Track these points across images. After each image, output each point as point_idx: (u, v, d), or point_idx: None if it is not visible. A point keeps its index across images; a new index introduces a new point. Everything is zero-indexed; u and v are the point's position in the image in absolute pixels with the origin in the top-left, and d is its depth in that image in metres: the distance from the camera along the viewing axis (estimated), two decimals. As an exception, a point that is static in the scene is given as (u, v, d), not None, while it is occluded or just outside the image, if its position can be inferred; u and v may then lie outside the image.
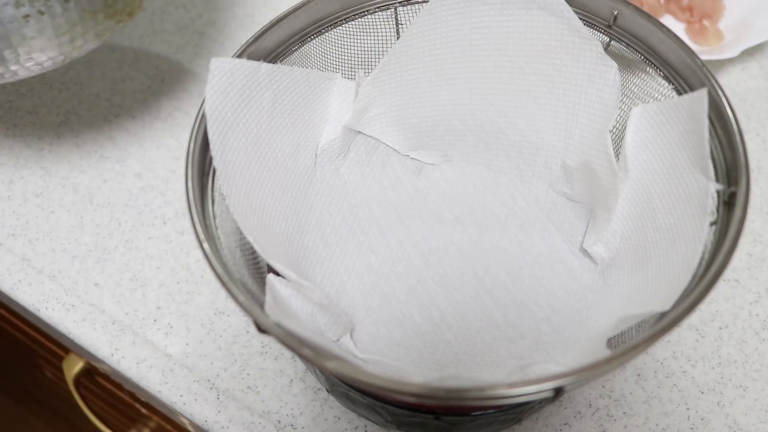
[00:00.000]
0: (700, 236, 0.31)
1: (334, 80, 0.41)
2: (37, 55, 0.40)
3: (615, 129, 0.39)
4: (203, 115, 0.33)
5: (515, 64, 0.39)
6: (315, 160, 0.41)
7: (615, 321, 0.33)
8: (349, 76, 0.42)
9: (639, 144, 0.36)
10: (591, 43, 0.37)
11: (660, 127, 0.35)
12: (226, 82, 0.34)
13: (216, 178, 0.34)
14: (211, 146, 0.33)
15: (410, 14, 0.41)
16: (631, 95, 0.39)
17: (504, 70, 0.40)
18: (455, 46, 0.39)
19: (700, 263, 0.31)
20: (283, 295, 0.34)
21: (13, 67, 0.40)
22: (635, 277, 0.35)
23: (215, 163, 0.33)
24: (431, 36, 0.39)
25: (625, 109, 0.39)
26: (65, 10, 0.38)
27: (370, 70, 0.42)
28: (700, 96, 0.33)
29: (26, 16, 0.37)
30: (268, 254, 0.33)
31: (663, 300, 0.31)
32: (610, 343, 0.34)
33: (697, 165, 0.33)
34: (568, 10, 0.36)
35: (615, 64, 0.37)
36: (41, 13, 0.37)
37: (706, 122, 0.32)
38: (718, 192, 0.32)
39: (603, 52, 0.37)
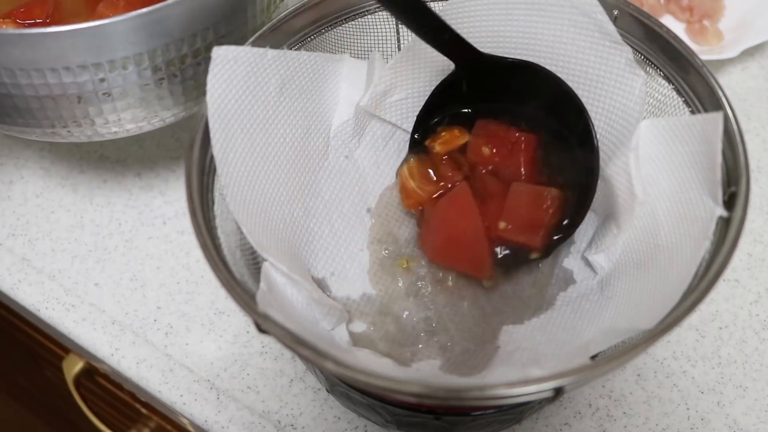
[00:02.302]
0: (695, 259, 0.31)
1: (343, 61, 0.40)
2: (163, 114, 0.41)
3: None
4: (204, 115, 0.33)
5: (542, 61, 0.38)
6: (327, 144, 0.41)
7: (602, 334, 0.33)
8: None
9: (645, 158, 0.35)
10: (622, 48, 0.36)
11: (669, 144, 0.34)
12: (229, 70, 0.34)
13: (216, 177, 0.34)
14: (212, 135, 0.33)
15: (410, 14, 0.41)
16: (644, 76, 0.38)
17: None
18: (482, 36, 0.39)
19: (690, 284, 0.31)
20: (279, 283, 0.34)
21: (140, 124, 0.42)
22: (631, 292, 0.35)
23: (214, 151, 0.33)
24: (457, 25, 0.39)
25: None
26: (196, 73, 0.40)
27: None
28: (715, 119, 0.32)
29: (161, 79, 0.39)
30: (262, 247, 0.33)
31: (649, 318, 0.30)
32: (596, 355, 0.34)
33: (706, 188, 0.32)
34: (601, 12, 0.35)
35: (643, 74, 0.36)
36: (175, 76, 0.39)
37: (719, 146, 0.31)
38: None
39: (632, 59, 0.36)
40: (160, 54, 0.37)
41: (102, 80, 0.37)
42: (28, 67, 0.35)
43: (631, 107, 0.36)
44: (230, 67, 0.34)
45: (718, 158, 0.31)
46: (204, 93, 0.40)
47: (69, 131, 0.40)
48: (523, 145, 0.39)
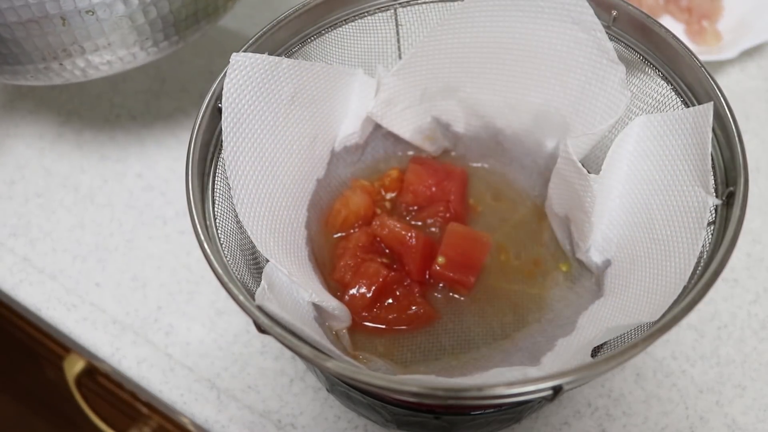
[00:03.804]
0: (694, 250, 0.31)
1: (356, 76, 0.41)
2: (155, 36, 0.40)
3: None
4: (204, 115, 0.34)
5: (541, 73, 0.39)
6: (330, 153, 0.42)
7: (604, 330, 0.33)
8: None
9: (641, 154, 0.36)
10: (617, 67, 0.37)
11: (663, 138, 0.35)
12: (245, 76, 0.34)
13: (217, 177, 0.34)
14: (224, 137, 0.33)
15: (410, 15, 0.41)
16: (630, 95, 0.39)
17: (529, 76, 0.40)
18: (484, 46, 0.39)
19: (692, 275, 0.31)
20: (284, 283, 0.34)
21: (133, 50, 0.40)
22: (629, 287, 0.35)
23: (224, 154, 0.34)
24: (462, 34, 0.39)
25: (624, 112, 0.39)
26: None
27: (370, 70, 0.42)
28: (706, 110, 0.33)
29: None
30: (266, 249, 0.34)
31: (652, 311, 0.31)
32: (596, 351, 0.34)
33: (697, 178, 0.33)
34: (600, 30, 0.36)
35: (629, 95, 0.37)
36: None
37: (710, 136, 0.32)
38: (716, 191, 0.32)
39: (624, 78, 0.37)
40: None
41: None
42: None
43: (608, 122, 0.37)
44: (246, 73, 0.34)
45: (708, 147, 0.32)
46: (194, 25, 0.39)
47: (61, 64, 0.39)
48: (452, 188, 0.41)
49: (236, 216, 0.34)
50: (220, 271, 0.29)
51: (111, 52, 0.40)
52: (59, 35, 0.38)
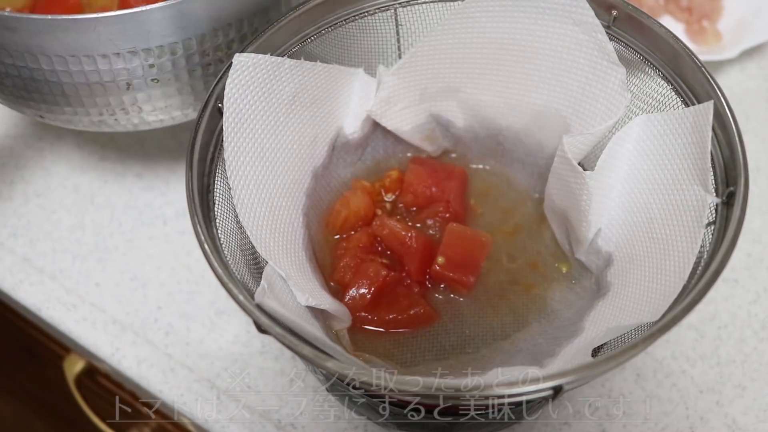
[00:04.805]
0: (693, 249, 0.31)
1: (357, 75, 0.41)
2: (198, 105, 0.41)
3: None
4: (204, 116, 0.34)
5: (542, 74, 0.39)
6: (332, 153, 0.42)
7: (604, 331, 0.33)
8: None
9: (641, 154, 0.36)
10: (618, 69, 0.37)
11: (663, 137, 0.35)
12: (247, 77, 0.34)
13: (217, 178, 0.34)
14: (225, 138, 0.33)
15: (410, 15, 0.41)
16: (630, 97, 0.39)
17: (529, 77, 0.40)
18: (485, 47, 0.39)
19: (692, 274, 0.31)
20: (284, 283, 0.34)
21: (186, 111, 0.42)
22: (628, 287, 0.35)
23: (225, 154, 0.34)
24: (462, 34, 0.39)
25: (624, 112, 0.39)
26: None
27: (371, 70, 0.42)
28: (706, 109, 0.33)
29: (208, 65, 0.39)
30: (265, 251, 0.34)
31: (652, 311, 0.31)
32: (596, 351, 0.34)
33: (697, 177, 0.33)
34: (601, 32, 0.36)
35: (629, 96, 0.37)
36: (221, 61, 0.39)
37: (709, 135, 0.32)
38: (716, 190, 0.32)
39: (625, 80, 0.37)
40: (208, 39, 0.38)
41: (151, 66, 0.37)
42: (79, 54, 0.36)
43: (608, 123, 0.37)
44: (249, 74, 0.34)
45: (708, 145, 0.32)
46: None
47: (116, 119, 0.40)
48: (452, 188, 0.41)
49: (236, 216, 0.34)
50: (220, 271, 0.29)
51: (166, 113, 0.41)
52: (121, 96, 0.39)
